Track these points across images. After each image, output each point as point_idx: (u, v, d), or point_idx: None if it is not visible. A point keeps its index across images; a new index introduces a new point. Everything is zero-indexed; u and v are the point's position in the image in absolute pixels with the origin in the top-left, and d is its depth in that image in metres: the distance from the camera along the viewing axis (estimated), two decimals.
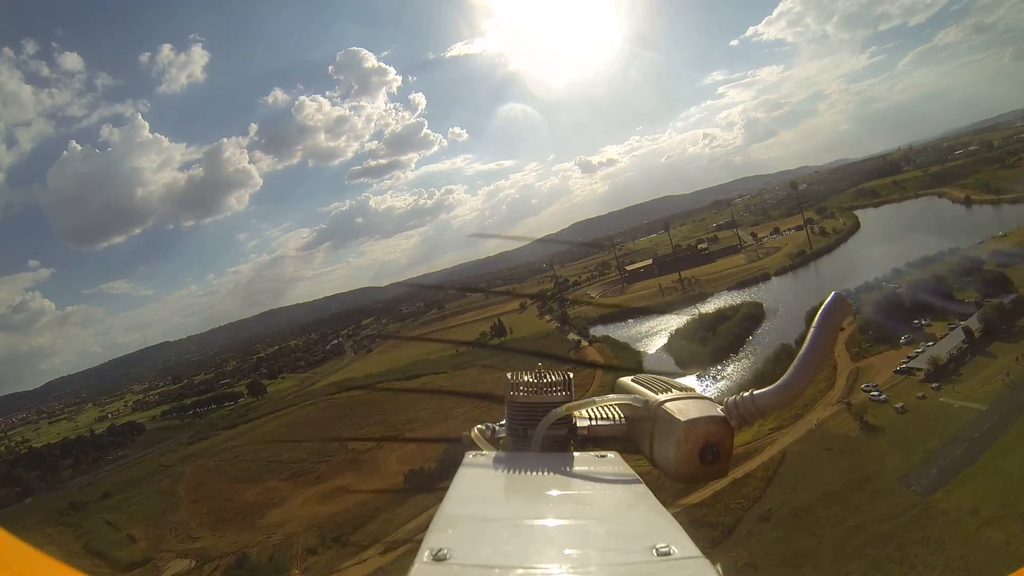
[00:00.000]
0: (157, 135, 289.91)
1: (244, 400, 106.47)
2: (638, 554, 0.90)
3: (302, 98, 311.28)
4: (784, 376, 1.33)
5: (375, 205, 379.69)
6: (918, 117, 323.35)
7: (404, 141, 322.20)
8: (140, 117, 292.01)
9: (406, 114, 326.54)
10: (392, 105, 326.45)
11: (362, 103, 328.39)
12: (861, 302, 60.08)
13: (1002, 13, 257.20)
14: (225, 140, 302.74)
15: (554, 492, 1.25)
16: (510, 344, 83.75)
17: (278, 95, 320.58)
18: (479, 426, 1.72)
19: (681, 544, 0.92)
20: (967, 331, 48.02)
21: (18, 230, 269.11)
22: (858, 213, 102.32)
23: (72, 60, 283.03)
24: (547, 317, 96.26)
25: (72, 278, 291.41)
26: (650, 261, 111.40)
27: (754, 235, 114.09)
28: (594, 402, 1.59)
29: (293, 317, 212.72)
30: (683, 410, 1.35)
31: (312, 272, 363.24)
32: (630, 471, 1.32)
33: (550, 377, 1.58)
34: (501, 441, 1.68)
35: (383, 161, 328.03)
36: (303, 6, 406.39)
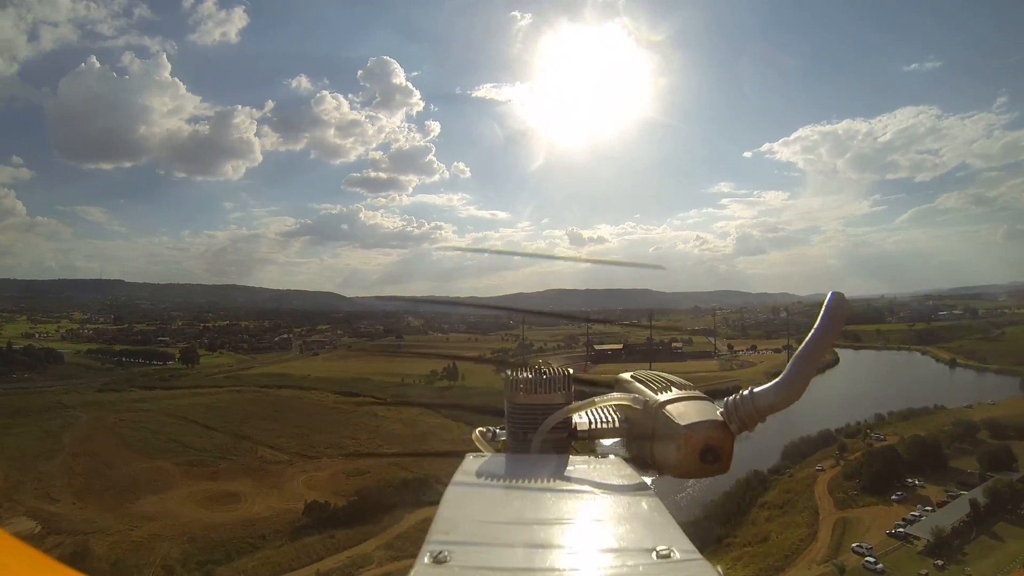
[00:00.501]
0: (176, 79, 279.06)
1: (173, 364, 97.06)
2: (639, 556, 0.87)
3: (324, 92, 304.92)
4: (783, 374, 1.25)
5: (364, 219, 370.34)
6: (904, 270, 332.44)
7: (408, 161, 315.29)
8: (165, 57, 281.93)
9: (417, 136, 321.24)
10: (406, 124, 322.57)
11: (379, 115, 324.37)
12: (846, 448, 55.62)
13: (1003, 190, 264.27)
14: (240, 107, 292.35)
15: (554, 494, 1.19)
16: (458, 388, 77.88)
17: (303, 81, 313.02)
18: (480, 429, 1.64)
19: (682, 546, 0.89)
20: (974, 504, 40.83)
21: (12, 123, 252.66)
22: (838, 351, 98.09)
23: None
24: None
25: (50, 188, 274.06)
26: (620, 345, 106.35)
27: (730, 347, 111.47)
28: (594, 403, 1.51)
29: (253, 299, 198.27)
30: (683, 414, 1.30)
31: (284, 258, 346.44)
32: (631, 473, 1.27)
33: (549, 374, 1.52)
34: (501, 444, 1.58)
35: (383, 175, 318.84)
36: (352, 4, 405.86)
